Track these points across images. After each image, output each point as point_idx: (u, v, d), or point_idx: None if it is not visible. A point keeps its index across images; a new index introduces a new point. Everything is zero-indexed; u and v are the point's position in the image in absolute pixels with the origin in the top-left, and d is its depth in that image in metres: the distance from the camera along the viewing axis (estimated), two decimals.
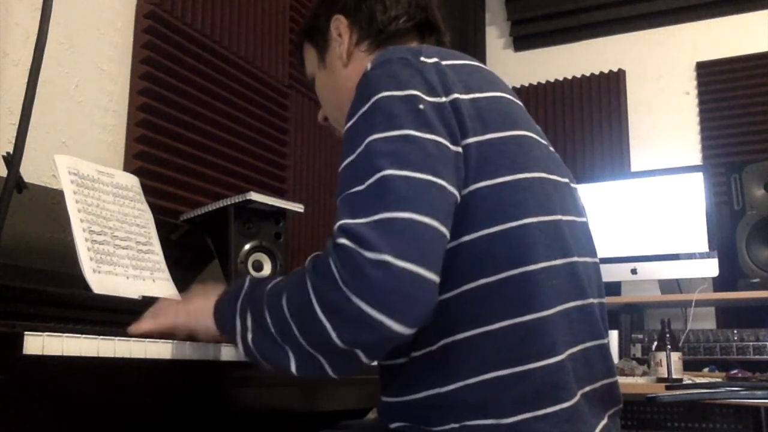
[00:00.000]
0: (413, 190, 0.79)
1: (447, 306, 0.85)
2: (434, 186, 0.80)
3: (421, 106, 0.85)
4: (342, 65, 1.11)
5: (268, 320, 0.84)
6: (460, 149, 0.86)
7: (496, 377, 0.84)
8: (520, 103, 1.02)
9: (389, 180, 0.79)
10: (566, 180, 1.03)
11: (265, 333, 0.84)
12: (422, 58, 0.90)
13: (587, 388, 0.91)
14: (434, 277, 0.77)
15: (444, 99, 0.88)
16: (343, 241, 0.77)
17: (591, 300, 0.96)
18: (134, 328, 0.97)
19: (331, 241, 0.79)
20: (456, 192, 0.84)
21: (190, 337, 0.99)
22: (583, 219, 1.04)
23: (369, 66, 0.91)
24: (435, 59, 0.91)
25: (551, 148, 1.03)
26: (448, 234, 0.81)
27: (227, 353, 1.08)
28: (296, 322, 0.80)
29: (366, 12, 1.09)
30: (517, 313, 0.85)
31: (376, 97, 0.85)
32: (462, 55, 0.98)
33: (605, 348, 0.98)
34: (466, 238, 0.85)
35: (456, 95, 0.89)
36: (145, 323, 0.98)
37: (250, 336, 0.86)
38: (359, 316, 0.75)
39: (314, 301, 0.78)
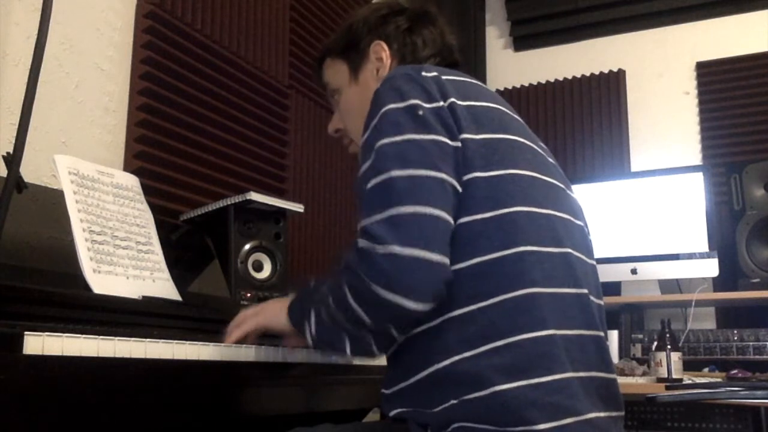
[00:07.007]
0: (414, 185, 0.92)
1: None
2: (433, 179, 0.93)
3: (420, 112, 0.97)
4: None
5: (323, 314, 1.01)
6: (459, 143, 0.98)
7: (489, 349, 0.91)
8: (517, 116, 1.11)
9: (394, 180, 0.93)
10: (562, 185, 1.09)
11: (324, 324, 1.02)
12: (423, 73, 1.03)
13: (582, 373, 0.95)
14: (440, 257, 0.91)
15: (441, 103, 0.99)
16: (360, 241, 0.93)
17: (586, 291, 1.02)
18: (227, 340, 1.13)
19: (354, 243, 0.94)
20: (455, 181, 0.96)
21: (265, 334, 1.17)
22: (580, 222, 1.10)
23: (379, 84, 1.04)
24: (435, 74, 1.03)
25: (550, 159, 1.11)
26: (449, 218, 0.94)
27: (227, 354, 1.08)
28: (341, 312, 0.97)
29: (410, 46, 1.21)
30: (509, 289, 0.94)
31: (384, 110, 0.99)
32: (462, 74, 1.10)
33: (601, 341, 1.02)
34: (463, 220, 0.96)
35: (453, 100, 1.00)
36: (235, 333, 1.14)
37: (314, 328, 1.04)
38: (379, 300, 0.90)
39: (348, 294, 0.94)
